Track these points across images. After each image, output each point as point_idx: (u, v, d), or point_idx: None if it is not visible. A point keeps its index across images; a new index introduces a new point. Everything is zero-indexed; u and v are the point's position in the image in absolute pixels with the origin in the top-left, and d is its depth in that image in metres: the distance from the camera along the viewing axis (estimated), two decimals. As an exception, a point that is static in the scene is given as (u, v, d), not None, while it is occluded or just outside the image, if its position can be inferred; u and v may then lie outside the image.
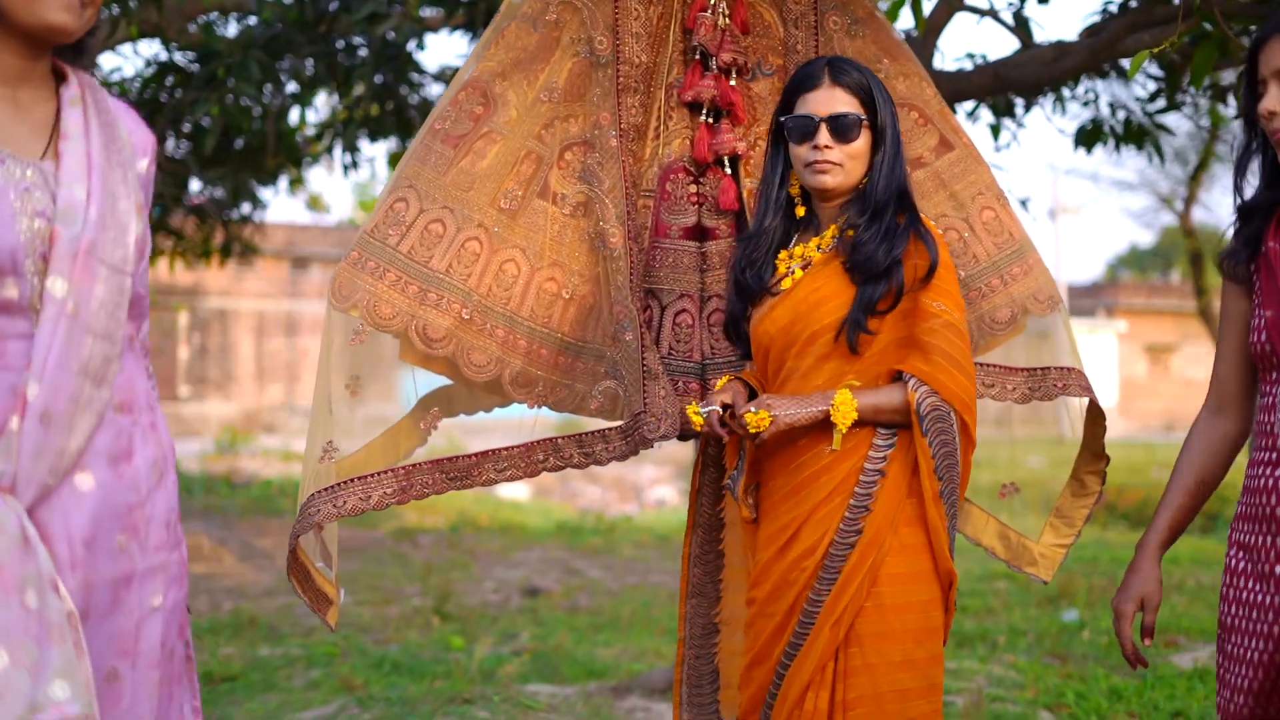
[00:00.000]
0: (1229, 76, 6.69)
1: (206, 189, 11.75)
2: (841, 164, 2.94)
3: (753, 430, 2.88)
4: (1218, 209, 42.28)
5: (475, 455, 3.41)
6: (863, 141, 2.95)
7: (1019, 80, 5.83)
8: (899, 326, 2.90)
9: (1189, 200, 15.50)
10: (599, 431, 3.41)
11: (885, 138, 2.98)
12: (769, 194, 3.09)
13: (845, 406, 2.85)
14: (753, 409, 2.88)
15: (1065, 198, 43.70)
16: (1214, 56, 4.67)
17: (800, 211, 3.08)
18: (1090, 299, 39.54)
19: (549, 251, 3.42)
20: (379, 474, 3.33)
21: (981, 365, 3.44)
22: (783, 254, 3.07)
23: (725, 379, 3.15)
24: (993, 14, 6.14)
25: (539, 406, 3.44)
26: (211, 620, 7.55)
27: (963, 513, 3.68)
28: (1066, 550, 3.61)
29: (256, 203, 12.08)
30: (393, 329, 3.33)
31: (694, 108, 3.47)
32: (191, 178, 10.87)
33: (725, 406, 3.01)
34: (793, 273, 3.01)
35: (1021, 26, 6.13)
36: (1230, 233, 2.69)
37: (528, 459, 3.42)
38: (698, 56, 3.45)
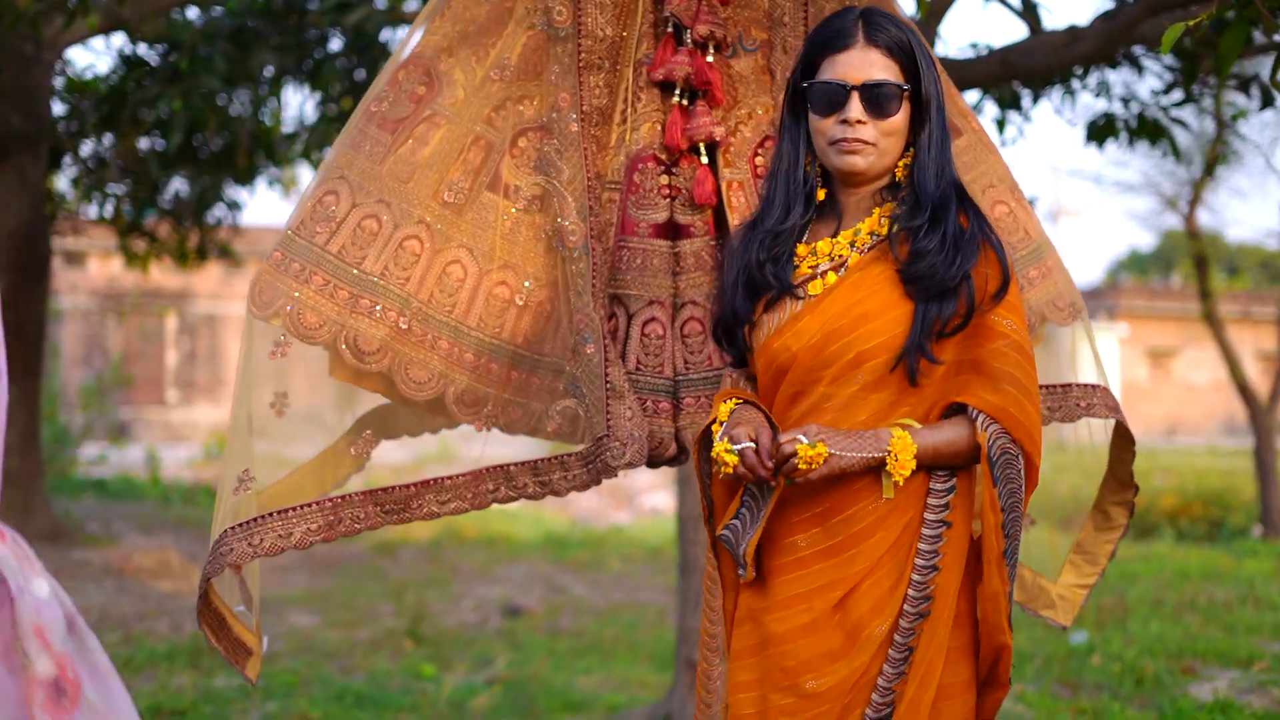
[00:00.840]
0: (1251, 66, 6.28)
1: (179, 192, 11.39)
2: (876, 143, 2.41)
3: (803, 467, 2.27)
4: (1223, 210, 41.96)
5: (415, 485, 2.98)
6: (902, 116, 2.41)
7: (1028, 68, 5.41)
8: (959, 348, 2.36)
9: (1194, 202, 15.12)
10: (557, 458, 2.98)
11: (930, 112, 2.43)
12: (788, 175, 2.51)
13: (905, 453, 2.29)
14: (804, 439, 2.27)
15: (1067, 200, 43.29)
16: (1243, 41, 4.26)
17: (821, 195, 2.52)
18: (1091, 302, 39.19)
19: (500, 251, 2.99)
20: (302, 507, 2.90)
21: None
22: (800, 248, 2.49)
23: (730, 403, 2.48)
24: (999, -2, 5.72)
25: (488, 428, 3.01)
26: (170, 645, 7.11)
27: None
28: (1089, 591, 3.18)
29: (232, 205, 11.70)
30: (320, 340, 2.90)
31: (666, 88, 3.03)
32: (164, 178, 10.48)
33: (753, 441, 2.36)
34: (822, 275, 2.44)
35: (1029, 11, 5.72)
36: None
37: (475, 489, 3.00)
38: (670, 29, 3.01)
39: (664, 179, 3.03)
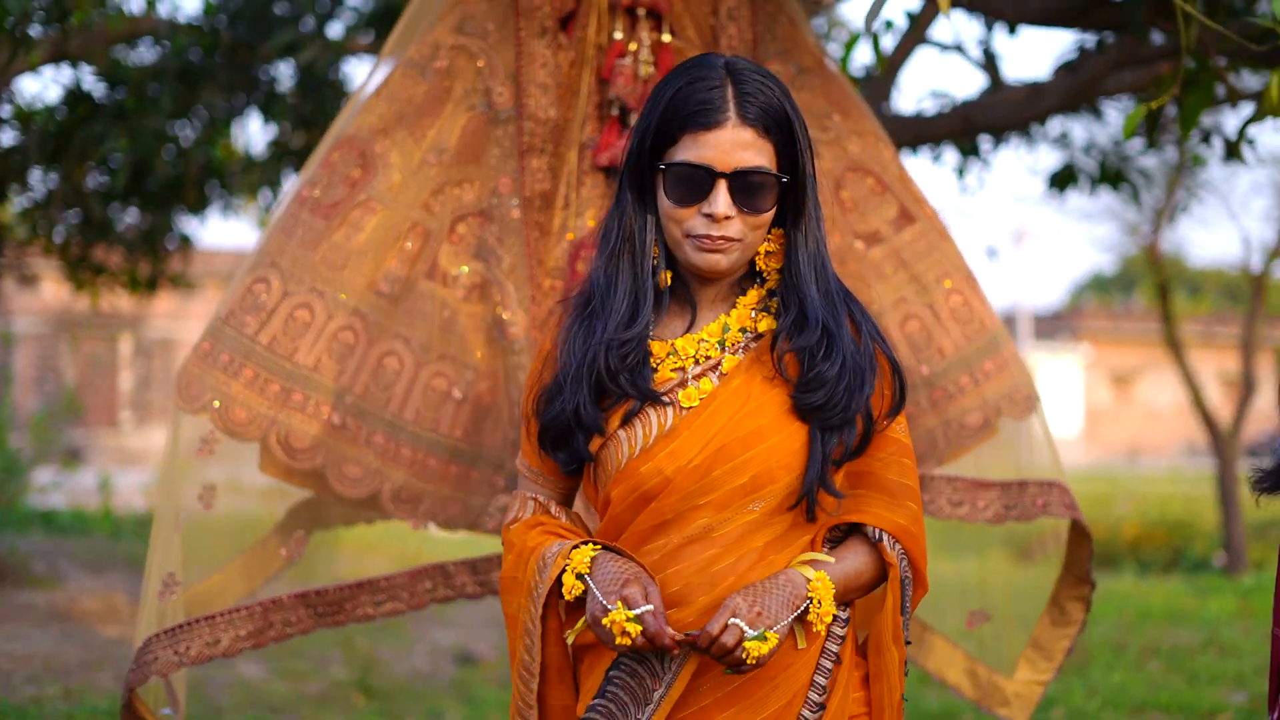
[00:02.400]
0: (1210, 119, 6.24)
1: (130, 223, 11.24)
2: (741, 239, 2.03)
3: (751, 661, 1.91)
4: (1183, 234, 42.25)
5: (349, 586, 2.88)
6: (773, 208, 2.05)
7: (989, 123, 5.34)
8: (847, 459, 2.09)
9: (1156, 230, 15.15)
10: (496, 556, 2.88)
11: (807, 200, 2.07)
12: (633, 266, 2.08)
13: (826, 597, 1.99)
14: (747, 628, 1.90)
15: (1028, 223, 43.51)
16: (1206, 103, 4.20)
17: (667, 280, 2.10)
18: (1054, 324, 39.36)
19: (438, 342, 2.88)
20: (230, 612, 2.78)
21: (949, 479, 2.92)
22: (654, 345, 2.09)
23: (586, 548, 2.02)
24: (958, 49, 5.66)
25: (424, 525, 2.91)
26: (111, 701, 6.93)
27: (924, 645, 3.16)
28: (1044, 688, 3.09)
29: (184, 240, 11.54)
30: (250, 437, 2.78)
31: (610, 172, 2.93)
32: (112, 212, 10.32)
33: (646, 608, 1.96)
34: (693, 381, 2.06)
35: (990, 63, 5.66)
36: None
37: (412, 589, 2.91)
38: (615, 112, 2.92)
39: (609, 267, 2.92)
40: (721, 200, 2.00)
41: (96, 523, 15.28)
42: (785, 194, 2.06)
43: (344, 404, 2.80)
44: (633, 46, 2.92)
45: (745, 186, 2.00)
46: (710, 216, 2.00)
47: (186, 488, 2.85)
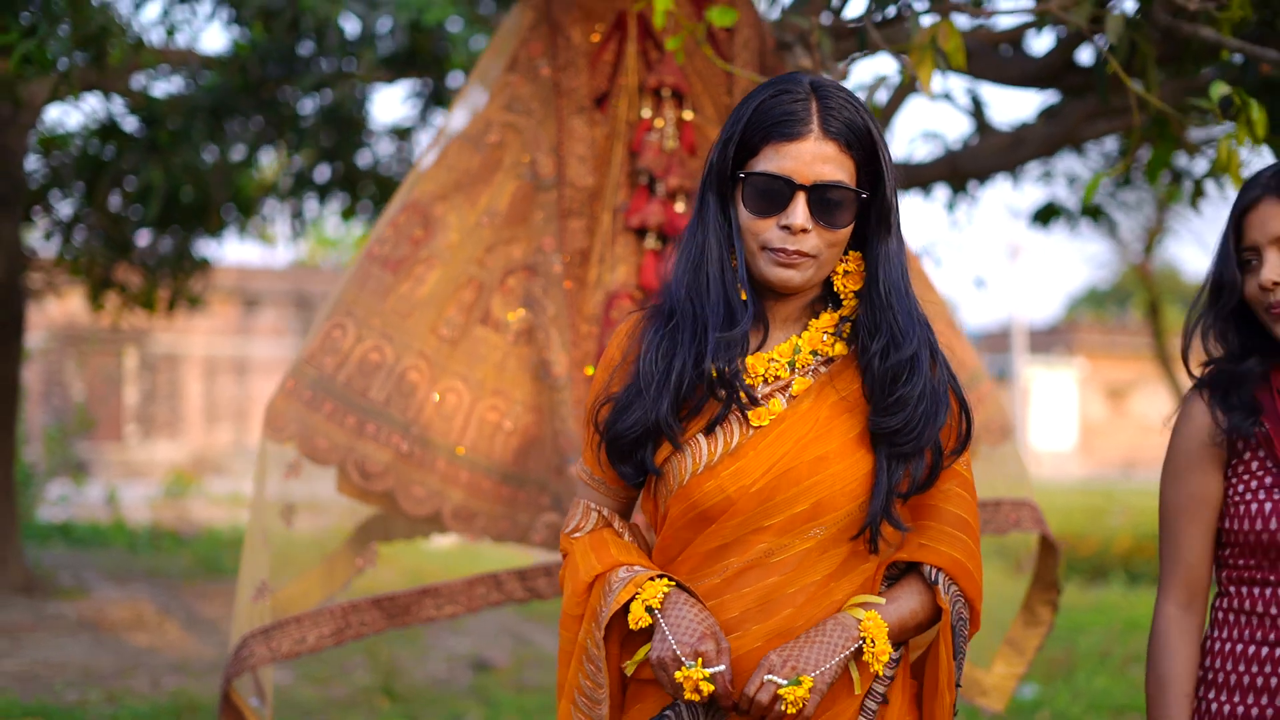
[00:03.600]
0: (1181, 159, 6.66)
1: (151, 244, 11.62)
2: (817, 255, 2.00)
3: (791, 712, 1.91)
4: (1175, 250, 42.66)
5: (415, 592, 3.31)
6: (851, 225, 2.02)
7: (975, 169, 5.80)
8: None
9: (1148, 248, 15.53)
10: (542, 565, 3.32)
11: (892, 221, 2.05)
12: (721, 267, 2.05)
13: (880, 637, 1.95)
14: (779, 679, 1.91)
15: (1023, 239, 43.93)
16: (1170, 153, 4.65)
17: (743, 295, 2.05)
18: (1050, 339, 39.74)
19: (491, 380, 3.33)
20: (315, 614, 3.22)
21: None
22: None
23: (660, 582, 1.99)
24: (947, 97, 6.11)
25: (480, 539, 3.35)
26: (151, 704, 7.35)
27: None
28: (1018, 680, 3.53)
29: (202, 262, 11.95)
30: (329, 462, 3.22)
31: (640, 233, 3.39)
32: (136, 234, 10.73)
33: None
34: (763, 401, 2.03)
35: (977, 110, 6.11)
36: (1208, 403, 2.38)
37: (469, 594, 3.34)
38: (644, 180, 3.38)
39: (639, 315, 3.37)
40: (800, 212, 1.97)
41: (112, 535, 15.61)
42: (866, 213, 2.04)
43: (410, 434, 3.24)
44: (659, 123, 3.38)
45: (824, 200, 1.97)
46: (787, 228, 1.98)
47: (273, 510, 3.29)
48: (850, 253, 2.06)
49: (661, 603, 1.97)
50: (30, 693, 7.18)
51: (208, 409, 32.27)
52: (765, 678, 1.91)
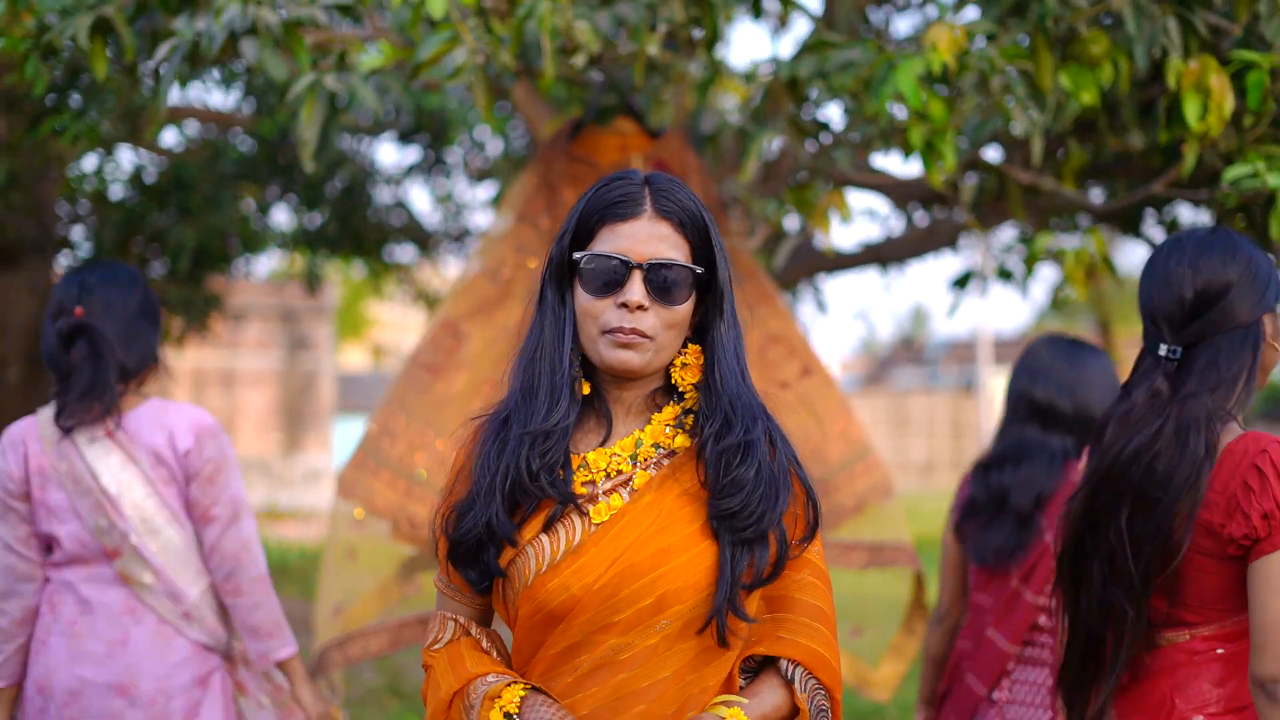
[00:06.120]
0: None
1: (164, 284, 12.50)
2: (655, 336, 2.01)
3: None
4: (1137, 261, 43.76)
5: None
6: (688, 305, 2.04)
7: (894, 256, 6.95)
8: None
9: (1054, 303, 16.53)
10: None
11: (724, 303, 2.07)
12: (552, 360, 2.05)
13: None
14: None
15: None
16: (1039, 254, 5.78)
17: (585, 389, 2.07)
18: (1013, 349, 40.80)
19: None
20: (376, 628, 4.36)
21: (835, 543, 4.53)
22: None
23: (517, 687, 1.99)
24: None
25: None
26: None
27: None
28: (901, 677, 4.70)
29: (213, 299, 12.93)
30: (386, 516, 4.36)
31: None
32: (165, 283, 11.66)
33: None
34: (603, 496, 2.03)
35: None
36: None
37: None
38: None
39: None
40: (637, 289, 1.98)
41: None
42: (702, 301, 2.07)
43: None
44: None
45: (660, 279, 1.99)
46: (625, 306, 1.98)
47: (344, 550, 4.43)
48: (690, 345, 2.09)
49: (519, 706, 1.97)
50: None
51: (195, 420, 32.90)
52: None
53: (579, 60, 3.60)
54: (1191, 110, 3.86)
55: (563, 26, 3.50)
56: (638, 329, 1.98)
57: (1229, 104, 3.83)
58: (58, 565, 3.23)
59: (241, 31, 3.70)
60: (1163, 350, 2.51)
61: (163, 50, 3.76)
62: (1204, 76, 3.86)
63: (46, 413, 3.26)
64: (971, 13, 5.37)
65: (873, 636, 4.72)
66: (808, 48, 4.05)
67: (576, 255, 2.03)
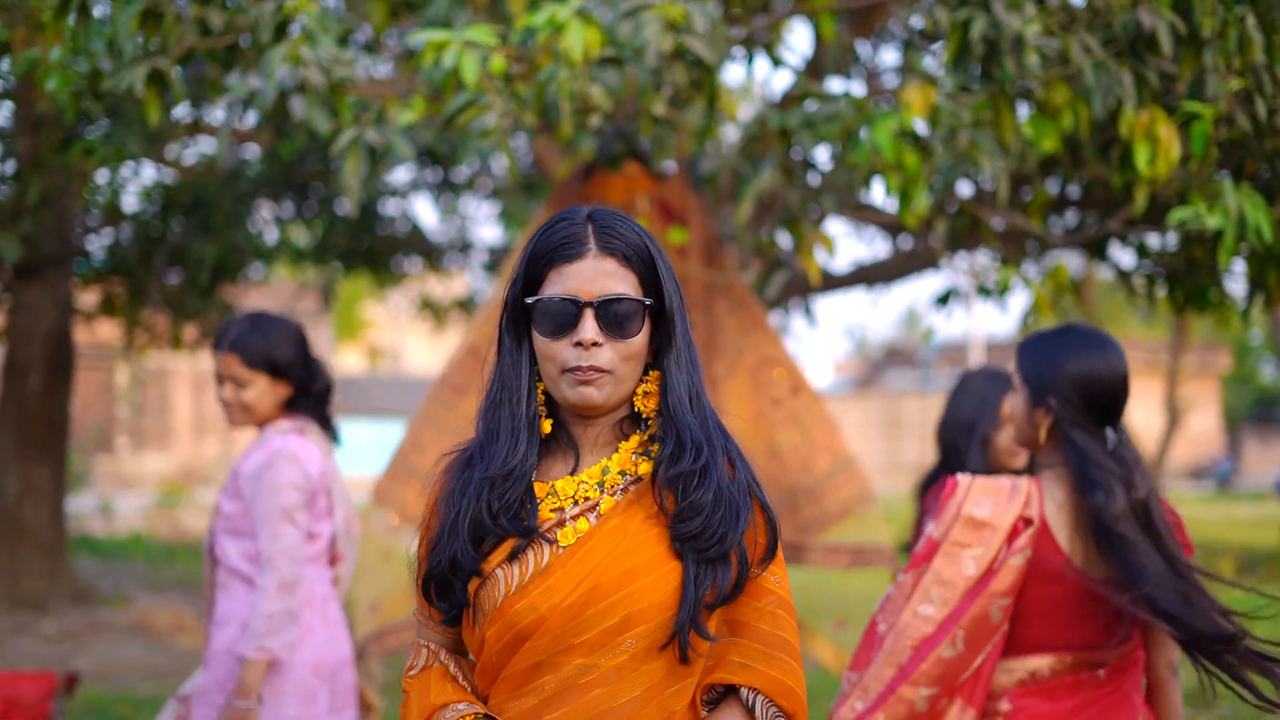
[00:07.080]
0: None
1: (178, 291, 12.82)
2: (613, 370, 2.04)
3: None
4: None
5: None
6: (643, 336, 2.07)
7: (879, 277, 7.44)
8: (723, 607, 2.09)
9: (1026, 324, 16.87)
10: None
11: (675, 330, 2.10)
12: (512, 405, 2.11)
13: None
14: None
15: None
16: (1010, 278, 6.25)
17: (546, 427, 2.12)
18: (1005, 352, 41.10)
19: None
20: (407, 622, 4.82)
21: (820, 546, 5.00)
22: (536, 486, 2.10)
23: (474, 716, 2.08)
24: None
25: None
26: (215, 694, 8.74)
27: (808, 636, 5.23)
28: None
29: (225, 307, 13.32)
30: (416, 523, 4.82)
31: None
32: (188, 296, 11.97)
33: None
34: (570, 521, 2.07)
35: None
36: None
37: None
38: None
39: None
40: (589, 327, 2.01)
41: (130, 547, 16.53)
42: (656, 328, 2.09)
43: (471, 504, 4.88)
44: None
45: (611, 314, 2.03)
46: (580, 344, 2.02)
47: (379, 553, 4.90)
48: (651, 372, 2.11)
49: None
50: (110, 687, 8.22)
51: (196, 422, 33.13)
52: None
53: (594, 120, 4.08)
54: (1142, 157, 4.34)
55: (579, 90, 3.97)
56: (595, 365, 2.02)
57: (1175, 151, 4.32)
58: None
59: (290, 89, 4.17)
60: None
61: (220, 108, 4.23)
62: (1153, 126, 4.35)
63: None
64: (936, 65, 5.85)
65: (856, 630, 5.20)
66: (795, 98, 4.53)
67: (529, 300, 2.06)
